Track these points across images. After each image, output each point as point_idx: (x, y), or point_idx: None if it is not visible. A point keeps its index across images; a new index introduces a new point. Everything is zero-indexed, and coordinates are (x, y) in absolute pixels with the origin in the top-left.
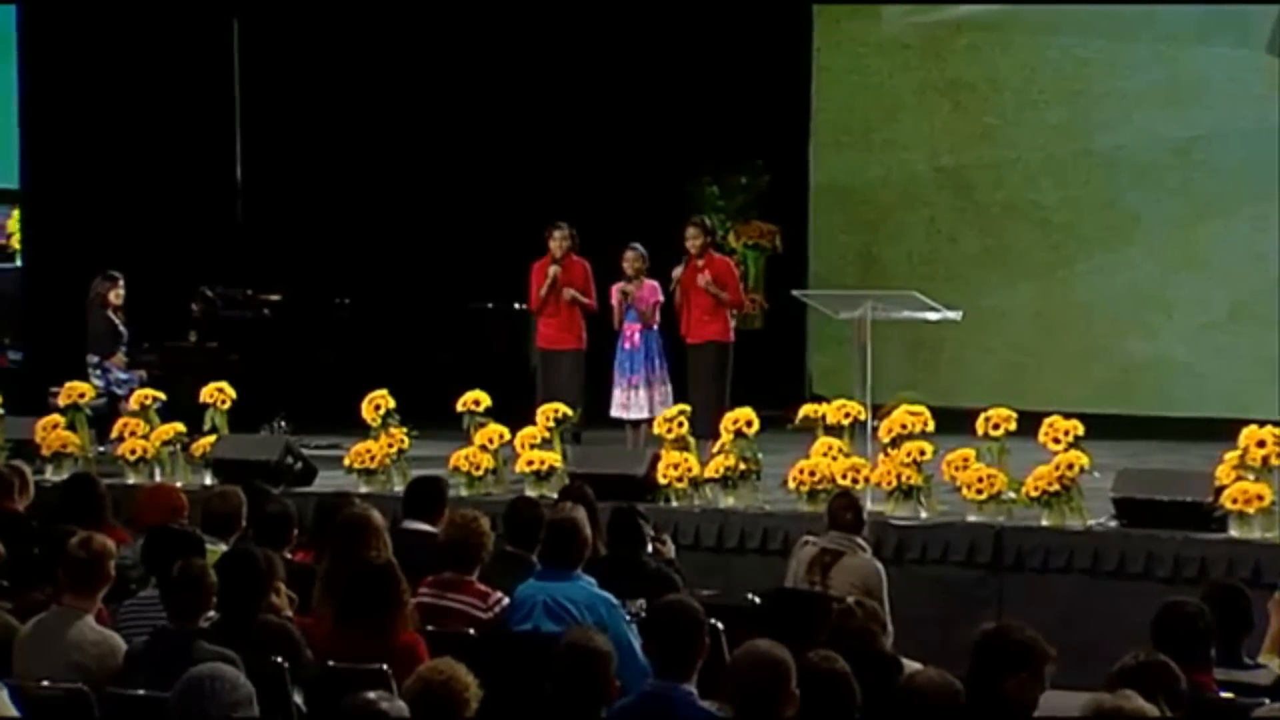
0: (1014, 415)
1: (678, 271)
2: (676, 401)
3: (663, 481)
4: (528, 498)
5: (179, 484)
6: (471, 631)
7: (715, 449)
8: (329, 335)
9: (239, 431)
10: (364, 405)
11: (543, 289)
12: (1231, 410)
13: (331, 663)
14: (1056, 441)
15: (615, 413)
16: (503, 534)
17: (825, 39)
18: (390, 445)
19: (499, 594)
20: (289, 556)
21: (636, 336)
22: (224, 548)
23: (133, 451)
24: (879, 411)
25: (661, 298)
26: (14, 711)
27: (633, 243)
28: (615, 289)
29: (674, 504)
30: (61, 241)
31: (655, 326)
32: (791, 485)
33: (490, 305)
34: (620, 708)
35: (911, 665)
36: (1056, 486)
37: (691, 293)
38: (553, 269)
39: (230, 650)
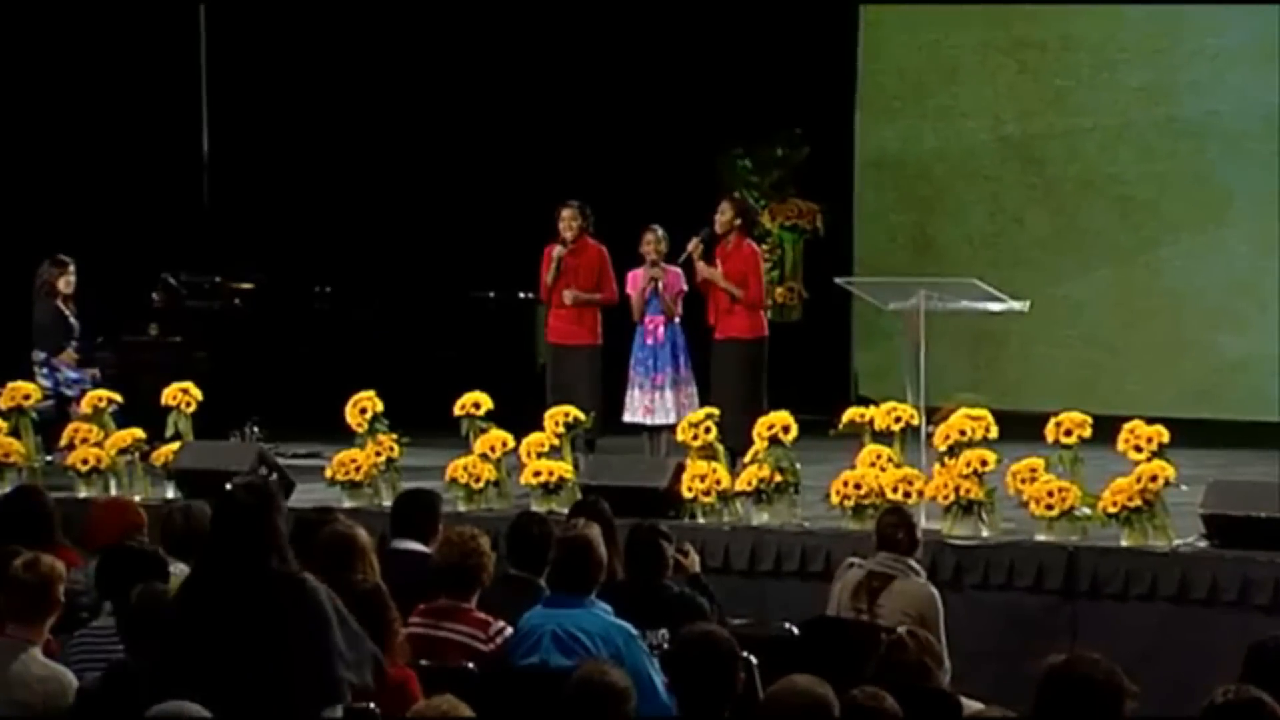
0: (1089, 420)
1: (694, 243)
2: (703, 402)
3: (688, 495)
4: (534, 513)
5: (137, 498)
6: (470, 665)
7: (748, 458)
8: (308, 329)
9: (206, 438)
10: (348, 408)
11: (549, 275)
12: None
13: None
14: (1138, 450)
15: (632, 417)
16: (506, 555)
17: None
18: (378, 454)
19: (501, 623)
20: None
21: (660, 330)
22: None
23: (85, 461)
24: (934, 416)
25: (685, 286)
26: None
27: (652, 224)
28: (635, 275)
29: (701, 521)
30: (2, 221)
31: (678, 319)
32: (834, 500)
33: (493, 294)
34: None
35: (971, 705)
36: (1138, 502)
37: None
38: (557, 252)
39: None
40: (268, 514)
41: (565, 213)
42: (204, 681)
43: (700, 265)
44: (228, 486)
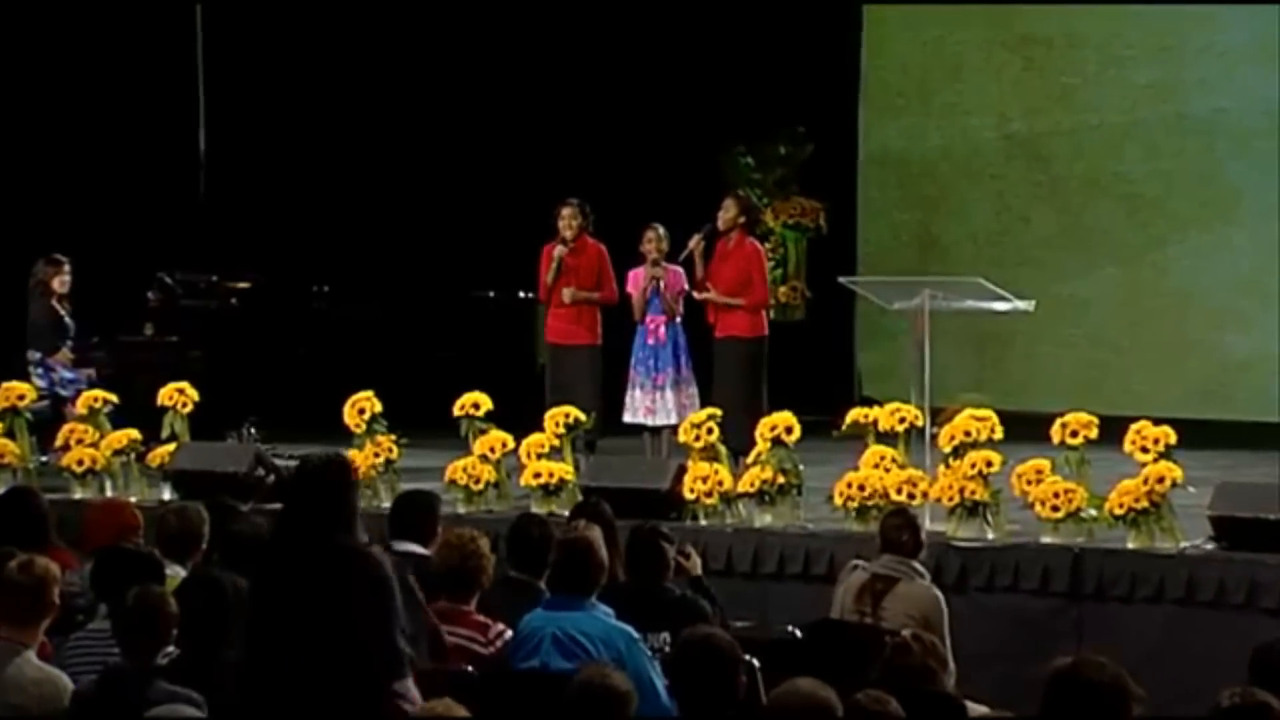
0: (1095, 421)
1: (695, 240)
2: (704, 403)
3: (690, 497)
4: (535, 515)
5: (133, 499)
6: (470, 669)
7: (750, 459)
8: (306, 328)
9: (202, 439)
10: (346, 409)
11: (549, 274)
12: None
13: None
14: (1145, 451)
15: (632, 417)
16: (505, 557)
17: None
18: (376, 455)
19: (501, 626)
20: None
21: (662, 330)
22: (184, 573)
23: (80, 462)
24: (939, 416)
25: (686, 285)
26: None
27: (653, 223)
28: (636, 275)
29: (703, 523)
30: None
31: (680, 318)
32: (838, 501)
33: (492, 294)
34: None
35: (976, 709)
36: (1144, 503)
37: (714, 277)
38: (558, 250)
39: (192, 691)
40: (340, 487)
41: (565, 211)
42: (274, 654)
43: (700, 292)
44: (306, 460)
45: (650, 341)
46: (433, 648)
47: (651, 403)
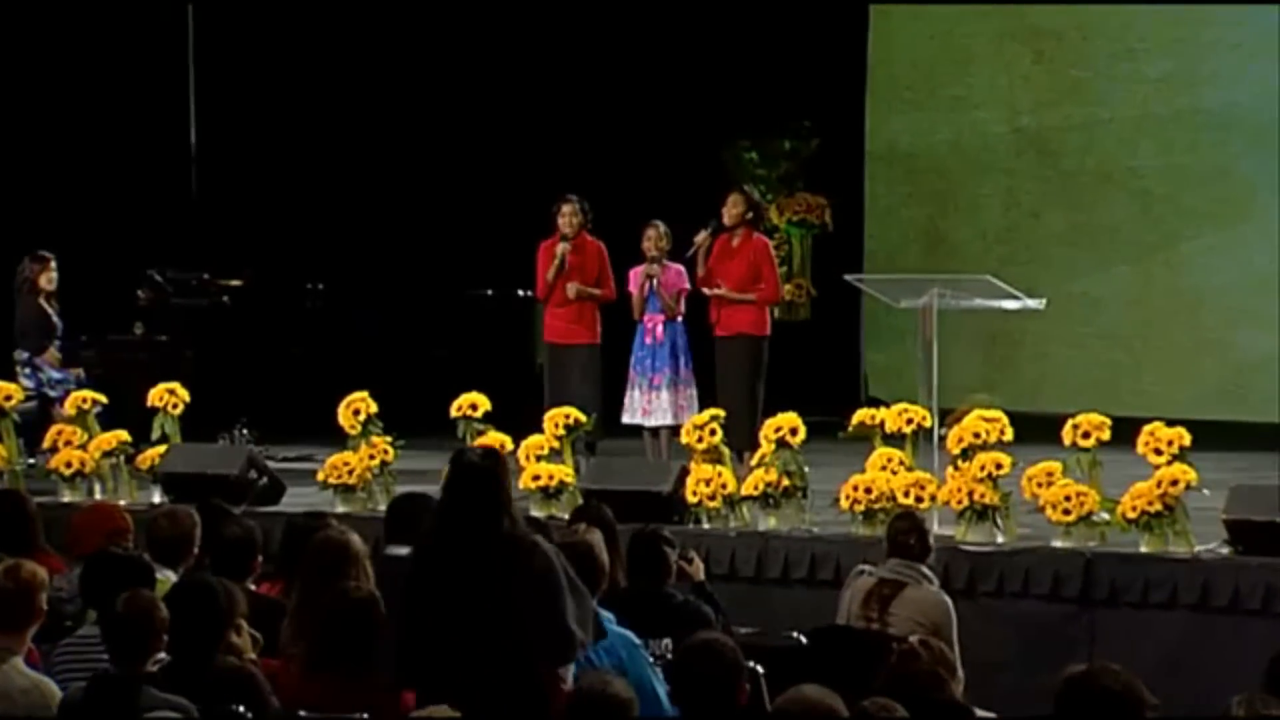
0: (1108, 422)
1: (701, 236)
2: (702, 405)
3: (692, 500)
4: (534, 519)
5: (122, 502)
6: None
7: (754, 461)
8: (299, 327)
9: (193, 441)
10: (341, 410)
11: (550, 273)
12: None
13: (303, 713)
14: (1158, 453)
15: (630, 418)
16: None
17: None
18: (372, 457)
19: None
20: (252, 588)
21: (659, 329)
22: (175, 578)
23: (68, 464)
24: (947, 417)
25: (687, 284)
26: None
27: (654, 220)
28: (636, 273)
29: (706, 526)
30: None
31: (680, 318)
32: (844, 504)
33: (490, 292)
34: None
35: (986, 716)
36: (1158, 506)
37: (719, 274)
38: (561, 248)
39: (183, 698)
40: (499, 479)
41: (565, 208)
42: (442, 644)
43: (709, 288)
44: (462, 453)
45: (648, 341)
46: (596, 631)
47: (648, 403)
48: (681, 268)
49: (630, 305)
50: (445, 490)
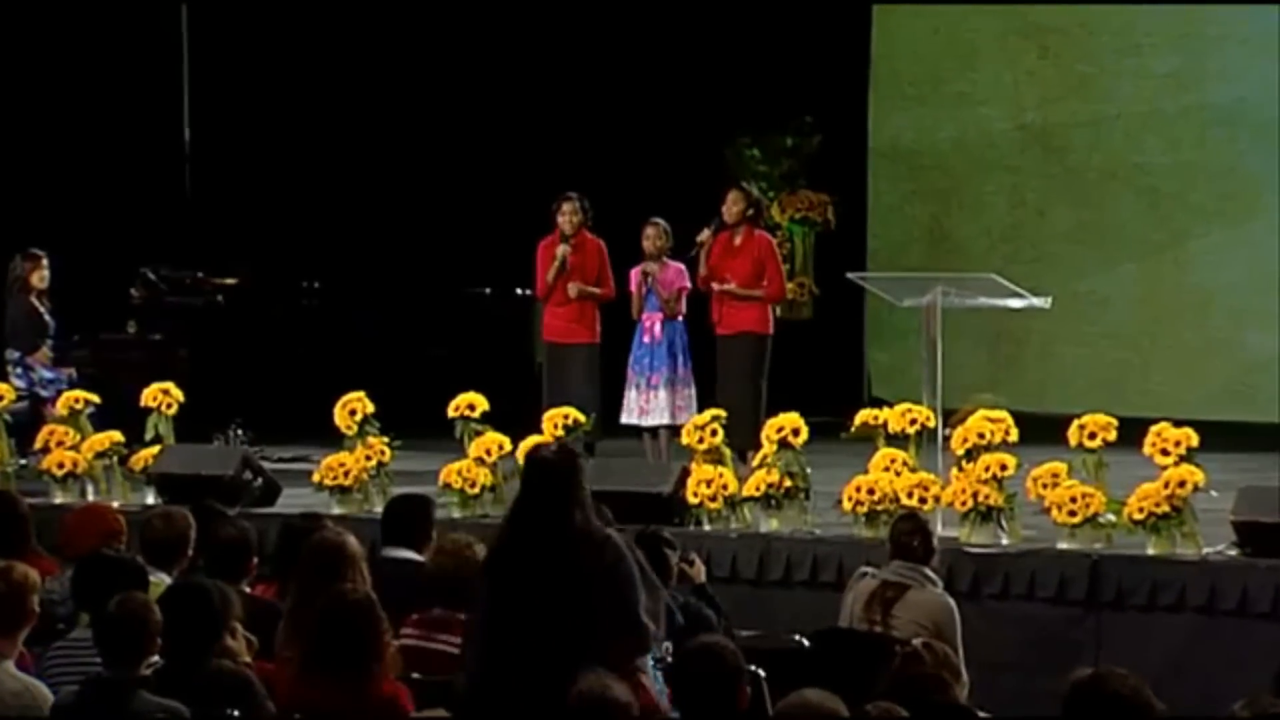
0: (1114, 422)
1: (704, 234)
2: (701, 405)
3: (693, 501)
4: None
5: (115, 504)
6: None
7: (755, 462)
8: (295, 326)
9: (187, 441)
10: (337, 410)
11: (550, 272)
12: None
13: (298, 717)
14: (1165, 454)
15: (628, 418)
16: None
17: None
18: (368, 458)
19: None
20: (247, 590)
21: (658, 328)
22: (169, 580)
23: (60, 465)
24: (951, 418)
25: (688, 283)
26: None
27: (654, 217)
28: (635, 272)
29: (706, 528)
30: None
31: (680, 317)
32: (846, 506)
33: (488, 290)
34: None
35: None
36: (1165, 508)
37: (722, 272)
38: (562, 248)
39: (177, 703)
40: (573, 475)
41: (565, 206)
42: (519, 639)
43: (719, 284)
44: (537, 449)
45: (646, 340)
46: (669, 623)
47: (645, 402)
48: (682, 266)
49: (630, 305)
50: (521, 487)
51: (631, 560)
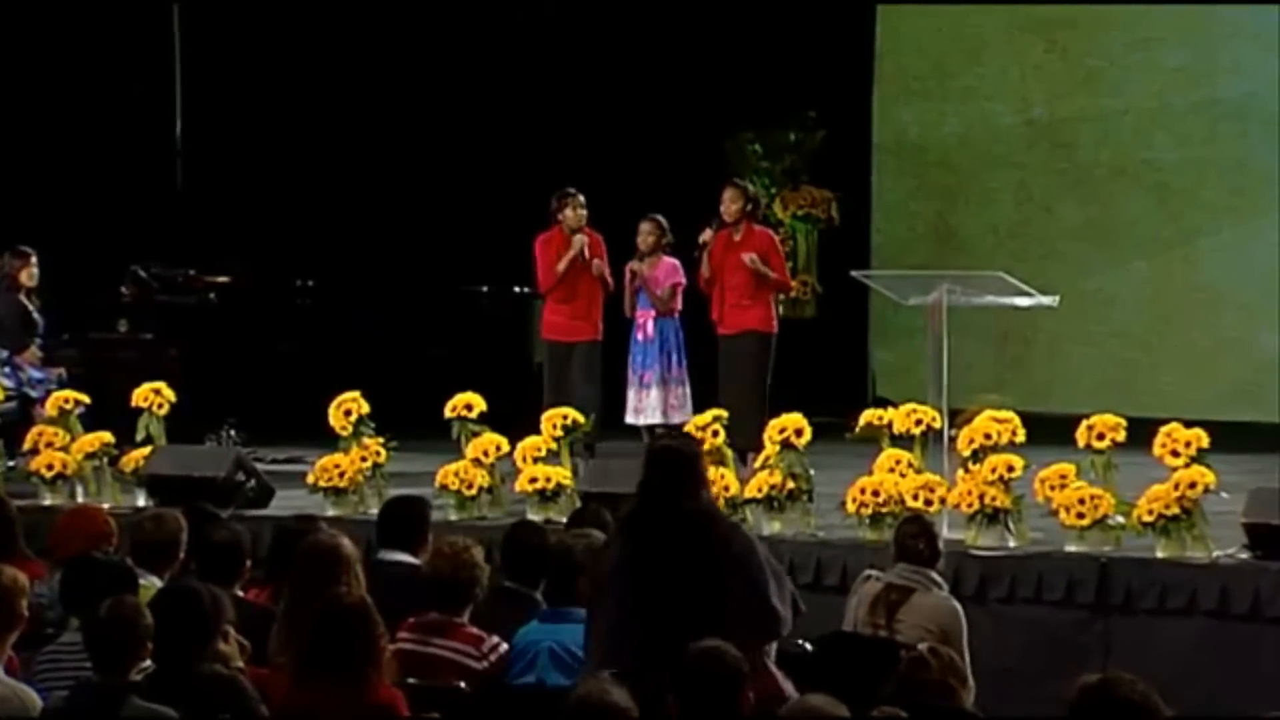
0: (1123, 423)
1: (706, 235)
2: (698, 404)
3: None
4: (531, 523)
5: (105, 506)
6: (463, 685)
7: (757, 463)
8: (289, 325)
9: (179, 442)
10: (331, 410)
11: (562, 264)
12: None
13: None
14: (1175, 455)
15: (629, 418)
16: (500, 567)
17: None
18: (364, 459)
19: (495, 639)
20: (240, 594)
21: (650, 325)
22: (160, 583)
23: (49, 466)
24: (957, 418)
25: (683, 279)
26: None
27: (652, 214)
28: (627, 269)
29: None
30: None
31: (676, 314)
32: (850, 508)
33: (486, 288)
34: None
35: None
36: (1175, 510)
37: (725, 269)
38: (579, 239)
39: (168, 708)
40: (696, 461)
41: (572, 203)
42: (652, 623)
43: (741, 254)
44: (658, 438)
45: (640, 338)
46: (795, 610)
47: (639, 401)
48: (675, 262)
49: (624, 302)
50: (644, 473)
51: (760, 548)
